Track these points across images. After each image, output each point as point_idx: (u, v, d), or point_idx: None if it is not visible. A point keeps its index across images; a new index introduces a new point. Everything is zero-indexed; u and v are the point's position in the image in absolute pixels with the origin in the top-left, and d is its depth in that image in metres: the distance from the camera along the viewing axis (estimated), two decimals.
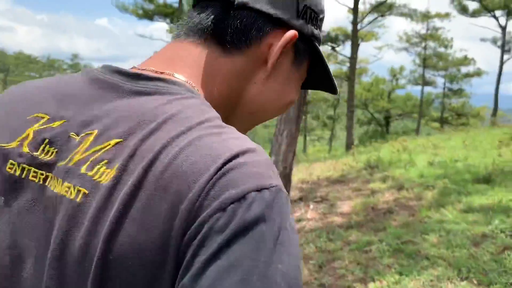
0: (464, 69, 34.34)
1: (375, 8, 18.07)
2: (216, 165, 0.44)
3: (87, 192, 0.47)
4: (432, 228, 4.57)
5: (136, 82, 0.54)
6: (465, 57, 33.49)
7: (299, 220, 5.74)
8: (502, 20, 23.88)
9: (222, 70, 0.60)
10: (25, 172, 0.51)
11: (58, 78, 0.60)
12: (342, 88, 30.47)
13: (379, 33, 24.79)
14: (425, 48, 28.77)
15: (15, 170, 0.52)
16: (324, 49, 22.64)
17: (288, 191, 6.57)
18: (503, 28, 23.69)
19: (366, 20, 17.90)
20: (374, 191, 6.82)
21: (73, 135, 0.51)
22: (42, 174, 0.51)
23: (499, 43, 24.73)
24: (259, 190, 0.44)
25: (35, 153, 0.52)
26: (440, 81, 35.24)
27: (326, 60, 0.67)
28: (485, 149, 9.58)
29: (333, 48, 22.31)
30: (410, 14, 23.96)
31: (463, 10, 24.99)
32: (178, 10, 15.56)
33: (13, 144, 0.53)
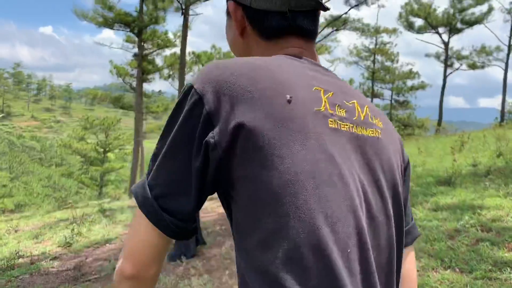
0: (409, 82, 36.33)
1: (331, 23, 18.80)
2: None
3: (379, 131, 0.78)
4: None
5: (321, 67, 0.82)
6: (410, 71, 35.43)
7: None
8: (445, 37, 25.56)
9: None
10: (339, 125, 0.73)
11: (278, 60, 0.77)
12: None
13: (332, 47, 25.70)
14: (373, 62, 30.10)
15: (334, 124, 0.72)
16: None
17: None
18: (446, 44, 25.33)
19: (320, 34, 18.52)
20: None
21: (346, 102, 0.77)
22: (347, 125, 0.74)
23: (442, 58, 26.37)
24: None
25: (336, 113, 0.73)
26: (387, 93, 36.97)
27: None
28: (440, 155, 10.26)
29: None
30: (363, 29, 25.11)
31: (410, 26, 26.47)
32: (138, 19, 15.46)
33: (322, 108, 0.72)
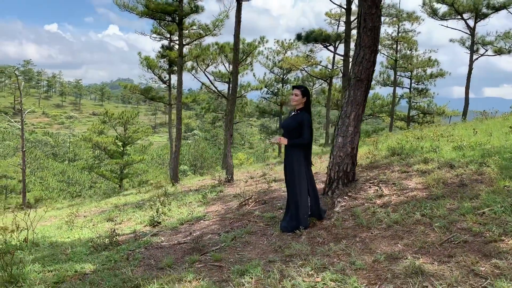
0: (428, 71, 36.19)
1: None
2: None
3: None
4: None
5: None
6: (429, 59, 35.29)
7: (380, 196, 6.02)
8: (470, 22, 25.41)
9: None
10: None
11: None
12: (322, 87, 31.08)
13: (354, 35, 25.63)
14: (396, 50, 30.00)
15: None
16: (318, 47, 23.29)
17: (353, 172, 6.84)
18: (472, 29, 25.21)
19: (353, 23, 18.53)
20: (424, 171, 7.19)
21: None
22: None
23: (467, 43, 26.25)
24: None
25: None
26: (406, 81, 36.88)
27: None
28: (499, 135, 10.28)
29: (326, 47, 22.89)
30: (397, 15, 25.01)
31: (434, 13, 26.33)
32: (179, 8, 15.51)
33: None
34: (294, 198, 5.31)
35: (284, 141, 5.31)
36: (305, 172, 5.31)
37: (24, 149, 26.08)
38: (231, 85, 11.80)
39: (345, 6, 16.86)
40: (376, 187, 6.49)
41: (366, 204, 5.82)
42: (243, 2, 10.92)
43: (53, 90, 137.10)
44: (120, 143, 40.09)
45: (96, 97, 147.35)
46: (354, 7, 17.74)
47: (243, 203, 7.21)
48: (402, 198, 5.76)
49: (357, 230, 4.92)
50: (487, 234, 4.04)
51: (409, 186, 6.32)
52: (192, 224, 6.69)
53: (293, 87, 5.49)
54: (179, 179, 16.68)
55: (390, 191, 6.20)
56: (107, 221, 8.85)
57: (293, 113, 5.43)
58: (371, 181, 6.99)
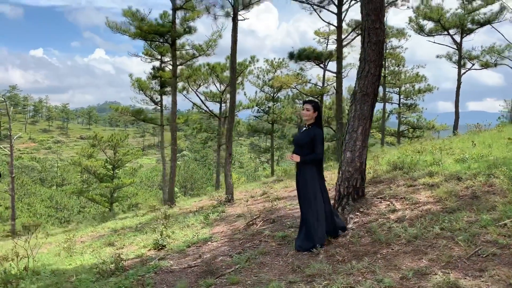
0: (416, 86, 36.72)
1: (358, 27, 19.05)
2: None
3: None
4: None
5: None
6: (417, 74, 35.84)
7: (393, 211, 5.91)
8: (457, 38, 25.90)
9: None
10: None
11: None
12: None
13: (345, 53, 25.93)
14: (384, 67, 30.39)
15: None
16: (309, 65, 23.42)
17: (363, 187, 6.74)
18: (459, 45, 25.67)
19: (346, 39, 18.78)
20: (432, 184, 7.12)
21: None
22: None
23: (454, 58, 26.70)
24: None
25: None
26: (395, 97, 37.31)
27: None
28: (498, 146, 10.31)
29: (317, 64, 23.05)
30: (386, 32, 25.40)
31: (420, 29, 26.81)
32: (172, 29, 15.50)
33: None
34: (309, 216, 5.17)
35: (296, 158, 5.20)
36: (320, 188, 5.20)
37: (13, 175, 25.57)
38: (228, 104, 11.75)
39: (335, 24, 17.04)
40: (388, 202, 6.39)
41: (380, 220, 5.69)
42: (238, 22, 10.94)
43: (40, 115, 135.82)
44: (110, 167, 39.53)
45: (84, 120, 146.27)
46: (344, 25, 18.00)
47: (251, 222, 7.04)
48: (417, 212, 5.66)
49: (376, 247, 4.78)
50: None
51: (421, 200, 6.23)
52: (200, 246, 6.48)
53: (304, 102, 5.41)
54: (175, 201, 16.40)
55: (403, 206, 6.10)
56: (108, 246, 8.58)
57: (305, 128, 5.34)
58: (379, 196, 6.88)
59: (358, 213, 6.12)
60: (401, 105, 36.96)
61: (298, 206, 8.02)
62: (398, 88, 36.04)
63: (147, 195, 56.31)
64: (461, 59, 25.88)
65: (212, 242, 6.56)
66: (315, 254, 4.92)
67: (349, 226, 5.76)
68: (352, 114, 6.59)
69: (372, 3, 6.32)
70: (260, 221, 6.97)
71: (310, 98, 26.73)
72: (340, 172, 6.63)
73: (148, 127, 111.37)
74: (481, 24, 25.32)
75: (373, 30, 6.41)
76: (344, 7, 16.80)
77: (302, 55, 20.62)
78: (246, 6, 10.90)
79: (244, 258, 5.20)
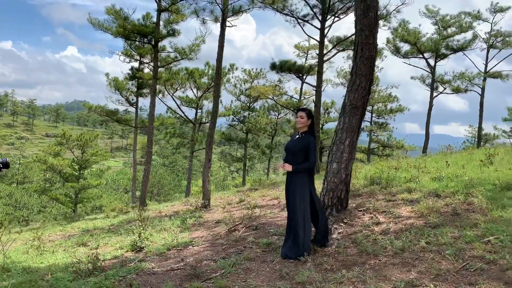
0: (389, 106, 37.66)
1: (341, 42, 19.40)
2: None
3: None
4: None
5: None
6: (390, 94, 36.79)
7: (377, 223, 5.98)
8: (431, 61, 26.79)
9: None
10: None
11: None
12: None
13: (324, 67, 26.34)
14: None
15: None
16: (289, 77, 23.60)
17: (347, 197, 6.80)
18: (433, 68, 26.54)
19: (327, 55, 19.07)
20: (411, 200, 7.26)
21: None
22: None
23: (427, 81, 27.57)
24: None
25: None
26: (367, 115, 38.09)
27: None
28: (471, 167, 10.64)
29: (298, 77, 23.26)
30: None
31: (397, 51, 27.59)
32: (155, 31, 15.32)
33: None
34: (297, 223, 5.16)
35: (288, 167, 5.19)
36: (310, 196, 5.20)
37: None
38: (211, 109, 11.69)
39: (318, 39, 17.30)
40: (371, 215, 6.46)
41: (364, 231, 5.75)
42: (226, 28, 10.93)
43: (4, 109, 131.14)
44: (76, 166, 38.41)
45: (51, 118, 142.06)
46: (326, 41, 18.30)
47: (232, 228, 6.96)
48: (400, 226, 5.74)
49: (363, 257, 4.81)
50: (501, 262, 4.05)
51: (403, 214, 6.33)
52: (180, 250, 6.36)
53: (298, 110, 5.43)
54: (146, 204, 16.09)
55: (386, 219, 6.18)
56: (80, 246, 8.30)
57: (297, 136, 5.35)
58: (360, 209, 6.95)
59: (342, 224, 6.16)
60: (373, 123, 37.78)
61: (279, 215, 8.05)
62: (371, 106, 36.86)
63: (112, 197, 54.95)
64: (434, 83, 26.75)
65: (193, 246, 6.45)
66: (303, 262, 4.91)
67: (334, 236, 5.78)
68: (341, 126, 6.67)
69: (367, 18, 6.45)
70: (243, 227, 6.92)
71: (304, 106, 26.94)
72: (325, 183, 6.68)
73: (117, 129, 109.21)
74: (455, 50, 26.32)
75: (366, 45, 6.53)
76: (328, 23, 17.08)
77: (284, 67, 20.83)
78: (236, 13, 10.92)
79: (229, 263, 5.12)
